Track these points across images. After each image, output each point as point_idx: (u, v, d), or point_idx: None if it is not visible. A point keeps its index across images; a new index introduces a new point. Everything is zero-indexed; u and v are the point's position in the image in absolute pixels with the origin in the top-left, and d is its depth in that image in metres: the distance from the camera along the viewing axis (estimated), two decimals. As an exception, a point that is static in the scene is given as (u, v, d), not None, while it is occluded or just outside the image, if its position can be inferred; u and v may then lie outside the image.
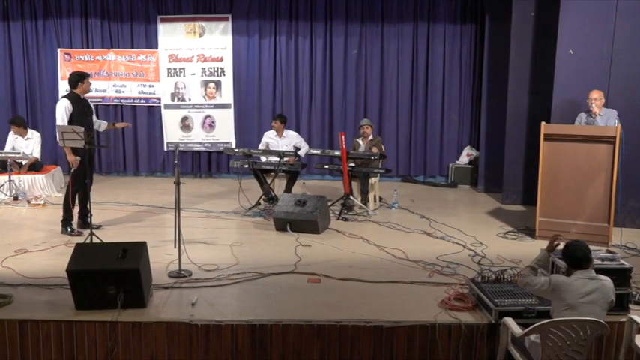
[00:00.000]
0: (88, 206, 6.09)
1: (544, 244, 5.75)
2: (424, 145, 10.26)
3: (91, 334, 4.07)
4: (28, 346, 4.10)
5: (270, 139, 8.43)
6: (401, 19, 9.98)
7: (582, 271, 3.57)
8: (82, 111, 6.37)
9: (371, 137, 8.04)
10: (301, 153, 8.29)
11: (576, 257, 3.60)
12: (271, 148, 8.28)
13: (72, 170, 6.26)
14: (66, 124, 6.16)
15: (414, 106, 10.19)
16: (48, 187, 8.46)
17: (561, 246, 3.89)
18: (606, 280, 3.58)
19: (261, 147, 8.39)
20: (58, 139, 5.87)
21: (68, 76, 6.60)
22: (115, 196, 8.44)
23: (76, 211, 6.47)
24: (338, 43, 10.08)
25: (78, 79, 6.41)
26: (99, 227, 6.49)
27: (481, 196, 9.05)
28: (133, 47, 10.21)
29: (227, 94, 10.24)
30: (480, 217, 7.62)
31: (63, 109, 6.26)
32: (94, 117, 6.70)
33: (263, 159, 8.21)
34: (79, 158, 6.15)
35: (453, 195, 9.30)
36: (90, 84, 6.58)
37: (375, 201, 7.90)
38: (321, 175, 10.34)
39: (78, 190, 6.37)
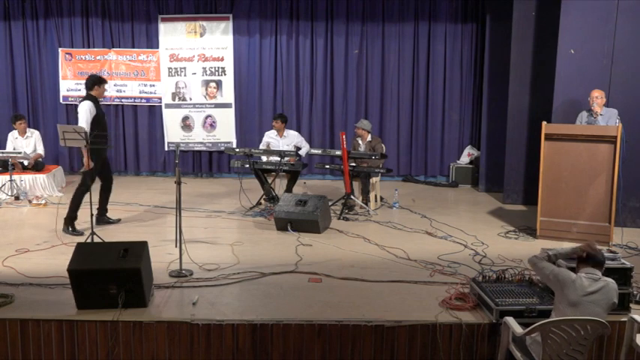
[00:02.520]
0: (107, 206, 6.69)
1: (545, 243, 5.84)
2: (425, 145, 10.26)
3: (92, 333, 4.07)
4: (29, 346, 4.10)
5: (271, 138, 8.43)
6: (402, 18, 9.98)
7: (589, 270, 3.59)
8: (100, 113, 6.49)
9: (369, 138, 8.04)
10: (302, 152, 8.29)
11: (592, 256, 3.63)
12: (272, 148, 8.28)
13: (82, 169, 6.35)
14: (89, 125, 6.26)
15: (414, 106, 10.19)
16: (49, 186, 8.47)
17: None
18: (611, 282, 3.59)
19: (262, 146, 8.39)
20: (63, 138, 5.92)
21: (87, 77, 6.69)
22: (116, 195, 8.37)
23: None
24: (339, 42, 10.08)
25: (95, 81, 6.51)
26: (118, 221, 6.92)
27: (482, 196, 9.05)
28: (133, 47, 10.22)
29: (228, 94, 10.24)
30: (481, 216, 7.62)
31: (87, 112, 6.32)
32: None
33: (264, 158, 8.20)
34: (92, 164, 6.24)
35: (454, 194, 9.30)
36: (105, 90, 6.72)
37: (376, 200, 7.90)
38: (322, 175, 10.34)
39: (85, 191, 6.35)
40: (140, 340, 4.09)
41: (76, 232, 6.37)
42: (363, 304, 4.44)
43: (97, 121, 6.37)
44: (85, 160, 6.25)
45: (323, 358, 4.14)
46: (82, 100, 6.52)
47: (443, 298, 4.46)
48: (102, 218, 6.80)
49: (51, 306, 4.29)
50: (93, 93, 6.51)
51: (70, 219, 6.44)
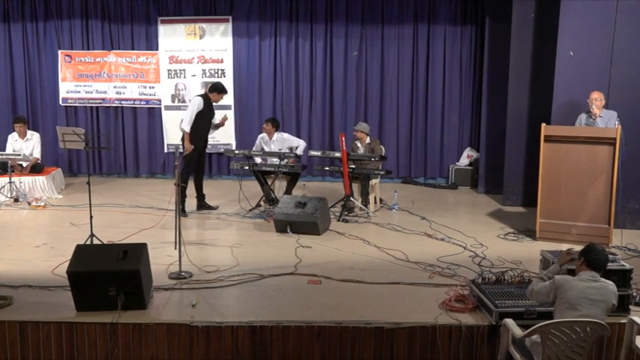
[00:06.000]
0: (203, 191, 7.67)
1: (545, 245, 5.84)
2: (424, 147, 10.25)
3: (91, 335, 4.07)
4: (29, 348, 4.10)
5: (263, 141, 8.36)
6: (401, 20, 9.99)
7: (588, 272, 3.59)
8: (207, 112, 7.42)
9: (368, 140, 8.04)
10: (299, 151, 8.18)
11: (594, 258, 3.61)
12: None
13: (184, 153, 7.12)
14: (193, 118, 7.23)
15: (414, 108, 10.19)
16: (48, 188, 8.46)
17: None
18: (610, 284, 3.59)
19: (255, 149, 8.30)
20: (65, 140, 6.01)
21: (214, 82, 7.77)
22: (115, 197, 8.45)
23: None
24: (338, 44, 10.08)
25: (218, 89, 7.47)
26: (217, 207, 7.71)
27: (481, 198, 9.05)
28: (133, 49, 10.22)
29: (227, 96, 10.08)
30: (481, 218, 7.62)
31: (195, 106, 7.30)
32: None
33: (259, 160, 8.13)
34: (192, 146, 7.16)
35: (453, 196, 9.30)
36: (222, 99, 7.63)
37: (375, 202, 7.90)
38: (321, 177, 10.33)
39: (188, 174, 7.38)
40: (139, 342, 4.09)
41: (183, 214, 6.96)
42: (363, 305, 4.44)
43: (200, 117, 7.28)
44: (186, 144, 7.15)
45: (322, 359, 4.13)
46: (196, 96, 7.59)
47: (442, 300, 4.46)
48: (202, 204, 7.66)
49: (50, 308, 4.29)
50: (210, 95, 7.43)
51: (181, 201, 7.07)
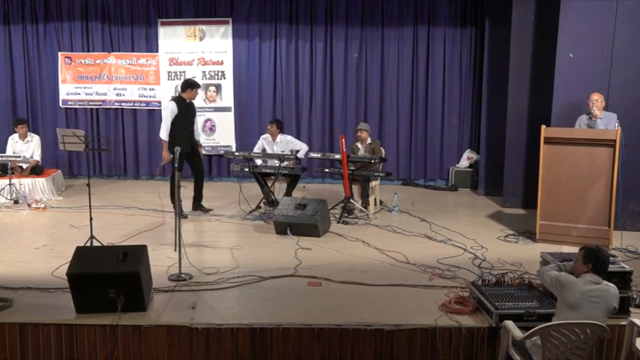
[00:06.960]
0: (202, 193, 7.64)
1: (545, 247, 5.84)
2: (424, 149, 10.26)
3: (91, 337, 4.07)
4: (28, 350, 4.09)
5: (266, 142, 8.37)
6: (401, 22, 9.99)
7: (590, 275, 3.60)
8: (185, 114, 7.27)
9: (369, 141, 8.04)
10: (301, 154, 8.20)
11: (601, 263, 3.63)
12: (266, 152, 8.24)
13: (162, 163, 7.32)
14: (169, 124, 7.10)
15: (414, 110, 10.19)
16: (48, 190, 8.46)
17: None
18: (612, 287, 3.60)
19: (256, 149, 8.33)
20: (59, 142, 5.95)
21: (183, 80, 7.67)
22: (115, 199, 8.45)
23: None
24: (338, 46, 10.08)
25: (189, 85, 7.34)
26: (210, 210, 7.64)
27: (481, 200, 9.05)
28: (133, 51, 10.22)
29: (227, 98, 10.25)
30: (481, 220, 7.61)
31: (169, 112, 7.17)
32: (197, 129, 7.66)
33: (259, 162, 8.13)
34: (171, 156, 6.73)
35: (453, 198, 9.30)
36: (197, 94, 7.54)
37: (375, 204, 7.89)
38: (321, 179, 10.33)
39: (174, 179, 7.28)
40: (139, 344, 4.08)
41: (182, 216, 6.71)
42: (363, 307, 4.43)
43: (179, 120, 7.15)
44: (163, 153, 7.16)
45: (322, 362, 4.13)
46: (168, 101, 7.54)
47: (442, 302, 4.46)
48: (196, 205, 7.64)
49: (50, 310, 4.29)
50: (183, 95, 7.30)
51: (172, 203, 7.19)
